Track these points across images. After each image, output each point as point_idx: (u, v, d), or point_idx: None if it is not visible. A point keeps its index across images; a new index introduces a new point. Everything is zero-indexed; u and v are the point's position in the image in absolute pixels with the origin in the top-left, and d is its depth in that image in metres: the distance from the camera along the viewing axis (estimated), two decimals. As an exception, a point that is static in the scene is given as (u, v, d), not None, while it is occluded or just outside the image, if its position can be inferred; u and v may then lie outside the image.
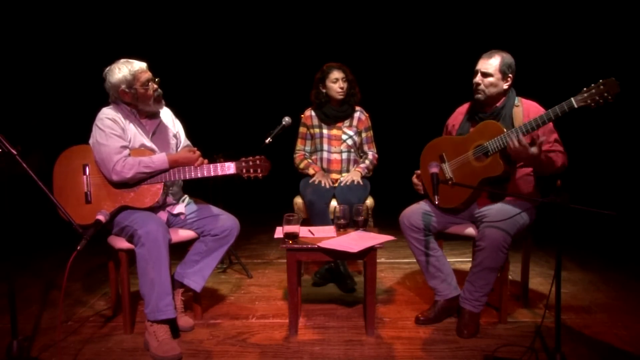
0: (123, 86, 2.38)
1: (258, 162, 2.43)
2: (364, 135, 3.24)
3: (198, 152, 2.44)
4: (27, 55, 5.11)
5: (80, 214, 2.33)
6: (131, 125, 2.45)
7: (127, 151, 2.37)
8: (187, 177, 2.43)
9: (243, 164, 2.43)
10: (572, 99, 2.16)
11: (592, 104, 2.11)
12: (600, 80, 2.10)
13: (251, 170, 2.43)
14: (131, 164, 2.32)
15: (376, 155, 3.29)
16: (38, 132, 5.10)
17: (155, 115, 2.54)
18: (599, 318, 2.59)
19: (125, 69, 2.38)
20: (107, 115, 2.39)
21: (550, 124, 2.39)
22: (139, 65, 2.41)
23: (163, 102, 2.54)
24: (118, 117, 2.41)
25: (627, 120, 4.75)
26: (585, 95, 2.12)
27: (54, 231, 3.78)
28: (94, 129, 2.40)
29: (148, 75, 2.43)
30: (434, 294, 2.60)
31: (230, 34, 5.66)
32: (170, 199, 2.56)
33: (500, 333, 2.43)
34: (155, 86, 2.46)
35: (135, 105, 2.44)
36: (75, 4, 5.10)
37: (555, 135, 2.43)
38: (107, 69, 2.43)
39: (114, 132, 2.36)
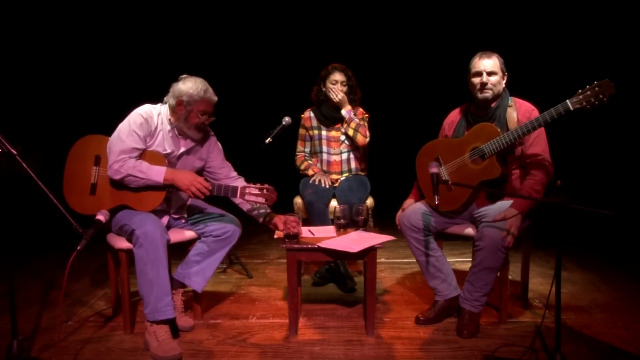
0: (185, 98, 2.36)
1: (265, 191, 2.37)
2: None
3: (200, 192, 2.32)
4: (26, 55, 5.10)
5: (83, 203, 2.37)
6: (164, 133, 2.42)
7: (136, 154, 2.34)
8: None
9: (247, 190, 2.38)
10: (567, 101, 2.16)
11: (588, 106, 2.12)
12: (595, 82, 2.11)
13: (254, 198, 2.38)
14: (128, 166, 2.29)
15: (368, 133, 3.12)
16: (38, 131, 5.10)
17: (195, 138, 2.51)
18: (599, 318, 2.59)
19: (199, 88, 2.37)
20: (143, 113, 2.37)
21: (542, 132, 2.40)
22: (210, 96, 2.41)
23: (203, 134, 2.51)
24: (152, 118, 2.39)
25: (627, 120, 4.75)
26: (581, 97, 2.13)
27: (54, 231, 3.78)
28: (125, 119, 2.37)
29: (210, 110, 2.43)
30: (434, 294, 2.60)
31: (230, 34, 5.66)
32: (173, 209, 2.55)
33: (500, 333, 2.43)
34: (207, 122, 2.45)
35: (179, 119, 2.41)
36: (74, 4, 5.10)
37: (540, 148, 2.41)
38: (185, 75, 2.42)
39: (137, 131, 2.33)
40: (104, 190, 2.39)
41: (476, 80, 2.45)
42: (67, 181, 2.42)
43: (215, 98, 2.45)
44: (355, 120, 3.09)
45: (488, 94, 2.44)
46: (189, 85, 2.37)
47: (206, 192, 2.34)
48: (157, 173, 2.31)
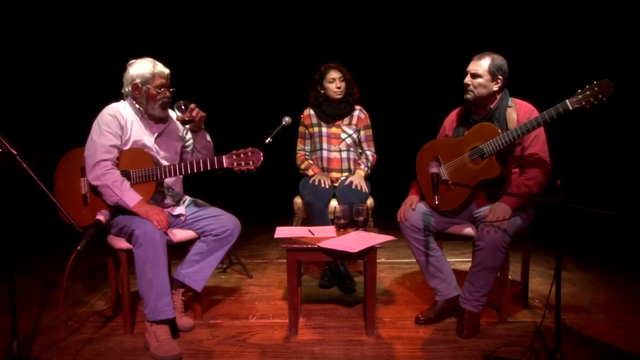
0: (138, 80, 2.40)
1: (250, 154, 2.38)
2: (362, 133, 3.24)
3: (164, 224, 2.32)
4: (26, 55, 5.10)
5: (79, 215, 2.35)
6: (136, 122, 2.46)
7: (115, 151, 2.36)
8: (178, 173, 2.42)
9: (234, 157, 2.38)
10: (566, 100, 2.16)
11: (587, 106, 2.12)
12: (595, 82, 2.10)
13: (242, 163, 2.37)
14: (110, 177, 2.30)
15: (375, 156, 3.29)
16: (38, 131, 5.10)
17: (163, 119, 2.54)
18: (599, 318, 2.59)
19: (148, 66, 2.41)
20: (109, 111, 2.41)
21: (542, 132, 2.40)
22: (160, 69, 2.44)
23: (168, 110, 2.55)
24: (120, 113, 2.42)
25: (627, 120, 4.75)
26: (580, 97, 2.13)
27: (54, 231, 3.77)
28: (94, 123, 2.41)
29: (165, 82, 2.45)
30: (434, 294, 2.60)
31: (230, 34, 5.66)
32: (169, 201, 2.56)
33: (500, 333, 2.43)
34: (168, 94, 2.46)
35: (142, 103, 2.45)
36: (75, 4, 5.10)
37: (537, 148, 2.40)
38: (132, 60, 2.46)
39: (109, 129, 2.36)
40: (97, 198, 2.39)
41: (463, 80, 2.47)
42: (58, 198, 2.41)
43: (167, 70, 2.47)
44: (370, 163, 3.25)
45: (469, 95, 2.45)
46: (137, 67, 2.41)
47: (164, 227, 2.31)
48: (132, 198, 2.32)
